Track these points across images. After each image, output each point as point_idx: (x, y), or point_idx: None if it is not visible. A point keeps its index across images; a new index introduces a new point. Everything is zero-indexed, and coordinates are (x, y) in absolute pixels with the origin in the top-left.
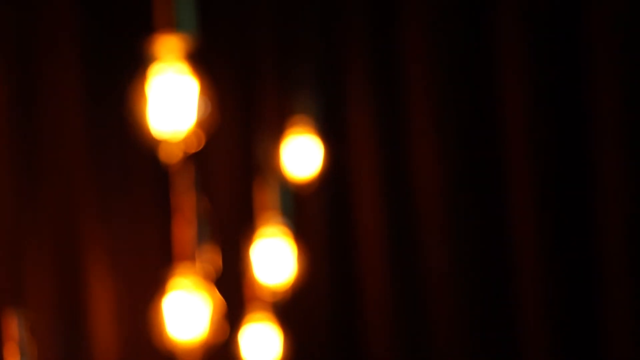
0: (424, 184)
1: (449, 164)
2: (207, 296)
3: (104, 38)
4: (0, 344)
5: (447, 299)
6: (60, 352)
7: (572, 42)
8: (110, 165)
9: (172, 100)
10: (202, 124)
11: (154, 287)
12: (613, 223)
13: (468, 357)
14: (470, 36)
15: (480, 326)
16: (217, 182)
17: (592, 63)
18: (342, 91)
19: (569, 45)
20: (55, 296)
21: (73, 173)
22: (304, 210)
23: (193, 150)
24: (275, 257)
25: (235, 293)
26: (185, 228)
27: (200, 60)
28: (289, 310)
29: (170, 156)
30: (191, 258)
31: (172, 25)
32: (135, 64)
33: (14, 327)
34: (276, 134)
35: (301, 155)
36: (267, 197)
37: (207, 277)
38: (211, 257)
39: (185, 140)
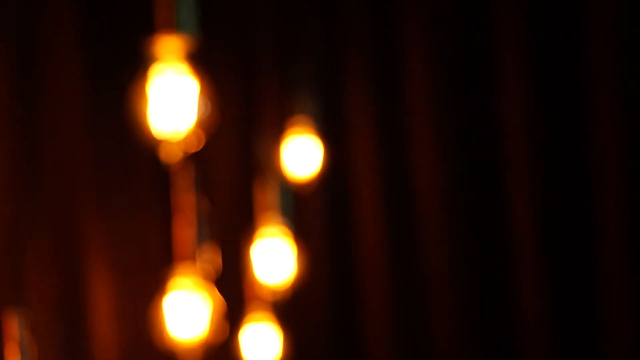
0: (423, 183)
1: (448, 163)
2: (207, 296)
3: (105, 38)
4: (0, 344)
5: (447, 299)
6: (61, 351)
7: (572, 42)
8: (110, 165)
9: (172, 100)
10: (202, 124)
11: (154, 286)
12: (613, 223)
13: (468, 357)
14: (470, 36)
15: (480, 326)
16: (217, 182)
17: (592, 63)
18: (342, 91)
19: (569, 45)
20: (56, 296)
21: (73, 173)
22: (304, 210)
23: (193, 150)
24: (275, 257)
25: (235, 293)
26: (185, 228)
27: (201, 60)
28: (289, 310)
29: (171, 156)
30: (191, 258)
31: (173, 26)
32: (135, 64)
33: (14, 327)
34: (276, 134)
35: (301, 155)
36: (267, 197)
37: (207, 276)
38: (211, 257)
39: (186, 140)
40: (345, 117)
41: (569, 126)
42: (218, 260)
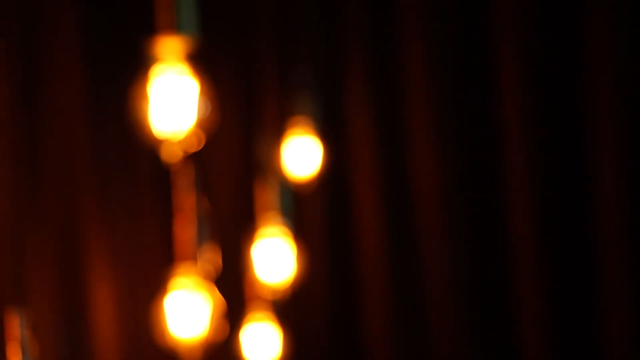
0: (423, 183)
1: (448, 164)
2: (208, 295)
3: (105, 39)
4: (2, 343)
5: (447, 299)
6: (62, 351)
7: (572, 42)
8: (111, 165)
9: (172, 101)
10: (202, 124)
11: (155, 286)
12: (613, 223)
13: (468, 357)
14: (469, 36)
15: (480, 326)
16: (217, 182)
17: (592, 63)
18: (342, 91)
19: (569, 45)
20: (57, 295)
21: (74, 173)
22: (304, 210)
23: (193, 150)
24: (275, 257)
25: (235, 292)
26: (185, 228)
27: (201, 61)
28: (289, 309)
29: (171, 156)
30: (192, 257)
31: (173, 26)
32: (136, 65)
33: (16, 326)
34: (276, 134)
35: (301, 155)
36: (267, 197)
37: (207, 276)
38: (211, 257)
39: (186, 140)
40: (345, 117)
41: (569, 126)
42: (218, 260)
